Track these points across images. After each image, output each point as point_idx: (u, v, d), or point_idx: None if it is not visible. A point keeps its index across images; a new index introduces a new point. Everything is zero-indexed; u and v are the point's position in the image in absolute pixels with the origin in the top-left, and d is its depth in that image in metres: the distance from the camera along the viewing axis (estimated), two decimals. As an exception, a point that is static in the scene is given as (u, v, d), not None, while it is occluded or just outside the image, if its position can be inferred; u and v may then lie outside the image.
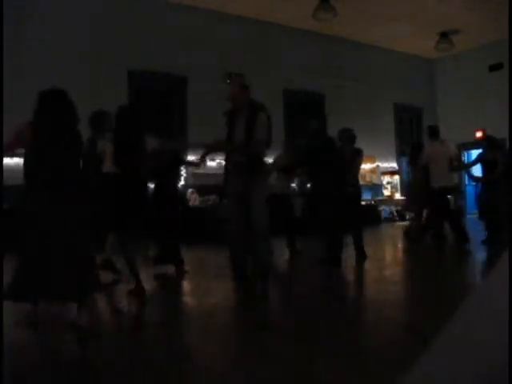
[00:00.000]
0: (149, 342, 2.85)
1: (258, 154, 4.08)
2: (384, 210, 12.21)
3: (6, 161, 8.26)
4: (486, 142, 7.15)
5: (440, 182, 6.59)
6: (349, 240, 5.80)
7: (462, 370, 0.51)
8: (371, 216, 11.17)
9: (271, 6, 10.18)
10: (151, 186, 5.23)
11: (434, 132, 7.02)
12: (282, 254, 6.30)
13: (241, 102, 4.13)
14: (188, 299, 4.26)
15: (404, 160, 11.98)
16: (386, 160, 12.91)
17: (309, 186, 6.61)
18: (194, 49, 9.87)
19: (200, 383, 2.17)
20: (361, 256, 5.80)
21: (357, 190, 5.96)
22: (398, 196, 12.71)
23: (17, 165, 6.15)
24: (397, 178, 13.08)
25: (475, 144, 11.66)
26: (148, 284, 4.21)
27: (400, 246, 7.89)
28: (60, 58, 8.51)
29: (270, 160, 6.14)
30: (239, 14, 10.48)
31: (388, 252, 7.32)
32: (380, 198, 12.45)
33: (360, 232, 5.90)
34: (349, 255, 5.68)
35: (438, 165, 6.61)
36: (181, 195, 5.94)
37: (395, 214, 12.28)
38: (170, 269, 5.04)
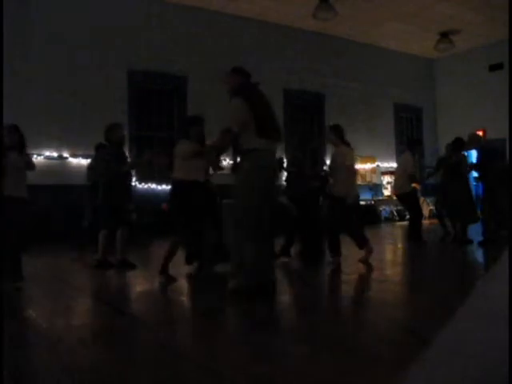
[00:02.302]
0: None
1: (221, 146, 3.79)
2: (384, 209, 12.21)
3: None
4: (452, 145, 7.40)
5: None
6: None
7: (461, 370, 0.51)
8: (371, 216, 11.21)
9: (271, 6, 10.19)
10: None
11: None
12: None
13: (230, 87, 3.85)
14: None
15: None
16: (386, 160, 12.91)
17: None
18: (194, 49, 9.88)
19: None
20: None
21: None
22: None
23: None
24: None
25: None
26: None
27: (400, 245, 7.89)
28: (60, 58, 8.52)
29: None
30: (239, 14, 10.49)
31: (389, 251, 7.32)
32: (380, 197, 12.45)
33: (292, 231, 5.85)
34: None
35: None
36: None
37: (395, 213, 12.27)
38: None
